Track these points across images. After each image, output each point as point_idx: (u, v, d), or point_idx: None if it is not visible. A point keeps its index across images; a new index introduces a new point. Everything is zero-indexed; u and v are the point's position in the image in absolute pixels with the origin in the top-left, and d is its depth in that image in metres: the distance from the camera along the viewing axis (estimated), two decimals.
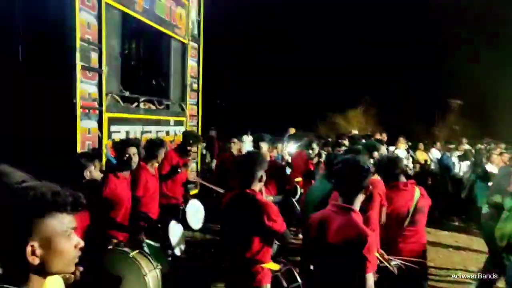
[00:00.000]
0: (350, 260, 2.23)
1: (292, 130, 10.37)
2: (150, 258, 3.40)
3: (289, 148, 8.97)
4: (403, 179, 3.78)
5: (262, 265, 2.92)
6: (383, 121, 22.67)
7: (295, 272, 3.50)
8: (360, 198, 2.43)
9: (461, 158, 9.76)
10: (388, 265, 3.29)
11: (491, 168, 8.26)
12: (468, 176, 8.78)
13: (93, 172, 3.51)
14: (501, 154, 8.96)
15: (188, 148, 5.44)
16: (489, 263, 4.95)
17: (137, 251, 3.37)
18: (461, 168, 9.57)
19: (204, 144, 15.08)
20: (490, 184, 8.13)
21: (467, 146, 10.90)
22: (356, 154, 3.00)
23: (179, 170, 5.14)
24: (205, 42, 8.09)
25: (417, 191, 3.72)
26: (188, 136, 5.61)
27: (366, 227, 3.20)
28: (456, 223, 8.97)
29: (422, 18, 21.24)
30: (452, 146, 10.55)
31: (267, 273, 2.99)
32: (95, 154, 4.01)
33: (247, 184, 2.97)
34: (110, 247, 3.41)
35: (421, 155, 10.70)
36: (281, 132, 10.85)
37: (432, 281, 5.16)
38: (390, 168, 3.77)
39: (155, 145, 4.81)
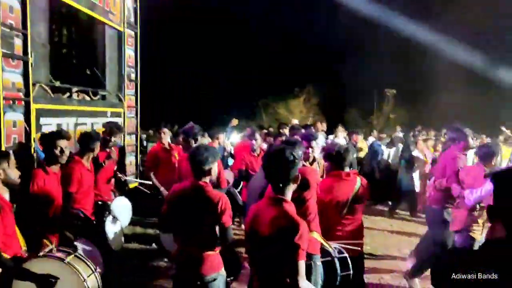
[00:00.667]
0: (283, 249, 2.26)
1: (235, 121, 10.33)
2: (88, 262, 3.22)
3: (232, 139, 8.94)
4: (346, 169, 3.87)
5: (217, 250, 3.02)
6: (323, 110, 23.29)
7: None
8: (291, 188, 2.48)
9: (389, 145, 10.22)
10: (329, 247, 3.40)
11: (417, 154, 8.78)
12: (396, 162, 9.22)
13: (7, 170, 3.19)
14: (425, 140, 9.56)
15: (108, 138, 5.20)
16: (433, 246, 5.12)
17: (72, 255, 3.16)
18: (389, 154, 10.01)
19: (145, 136, 14.73)
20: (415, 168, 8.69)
21: (400, 134, 11.44)
22: (291, 145, 3.01)
23: (103, 164, 4.91)
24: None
25: (358, 181, 3.82)
26: (107, 127, 5.37)
27: (306, 216, 3.29)
28: (386, 208, 9.30)
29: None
30: (384, 135, 11.04)
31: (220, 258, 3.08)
32: (7, 151, 3.69)
33: (199, 177, 3.01)
34: (42, 253, 3.12)
35: (361, 143, 11.09)
36: (224, 123, 10.78)
37: (369, 263, 5.36)
38: (338, 160, 3.84)
39: (90, 138, 4.56)
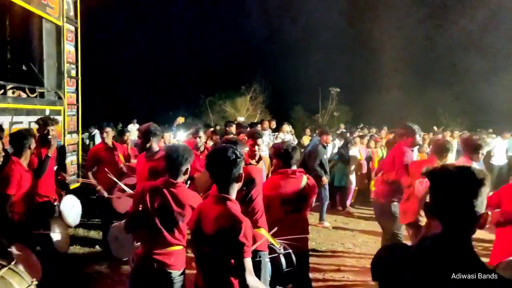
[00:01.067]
0: (227, 248, 2.28)
1: (180, 119, 10.22)
2: (23, 274, 3.03)
3: (178, 137, 8.84)
4: (294, 167, 3.93)
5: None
6: (269, 108, 23.56)
7: None
8: (236, 186, 2.51)
9: None
10: (275, 244, 3.46)
11: (353, 151, 9.15)
12: (332, 158, 9.52)
13: None
14: (361, 137, 9.99)
15: (45, 132, 4.96)
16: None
17: (6, 268, 2.95)
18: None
19: (87, 135, 14.22)
20: (352, 166, 9.05)
21: (344, 131, 11.85)
22: (233, 144, 3.05)
23: (49, 155, 4.67)
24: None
25: (304, 180, 3.89)
26: (39, 122, 5.14)
27: (254, 214, 3.33)
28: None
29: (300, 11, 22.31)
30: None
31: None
32: None
33: (176, 176, 3.02)
34: None
35: (307, 140, 11.34)
36: (171, 121, 10.64)
37: (313, 258, 5.50)
38: (286, 157, 3.90)
39: (21, 137, 4.29)
